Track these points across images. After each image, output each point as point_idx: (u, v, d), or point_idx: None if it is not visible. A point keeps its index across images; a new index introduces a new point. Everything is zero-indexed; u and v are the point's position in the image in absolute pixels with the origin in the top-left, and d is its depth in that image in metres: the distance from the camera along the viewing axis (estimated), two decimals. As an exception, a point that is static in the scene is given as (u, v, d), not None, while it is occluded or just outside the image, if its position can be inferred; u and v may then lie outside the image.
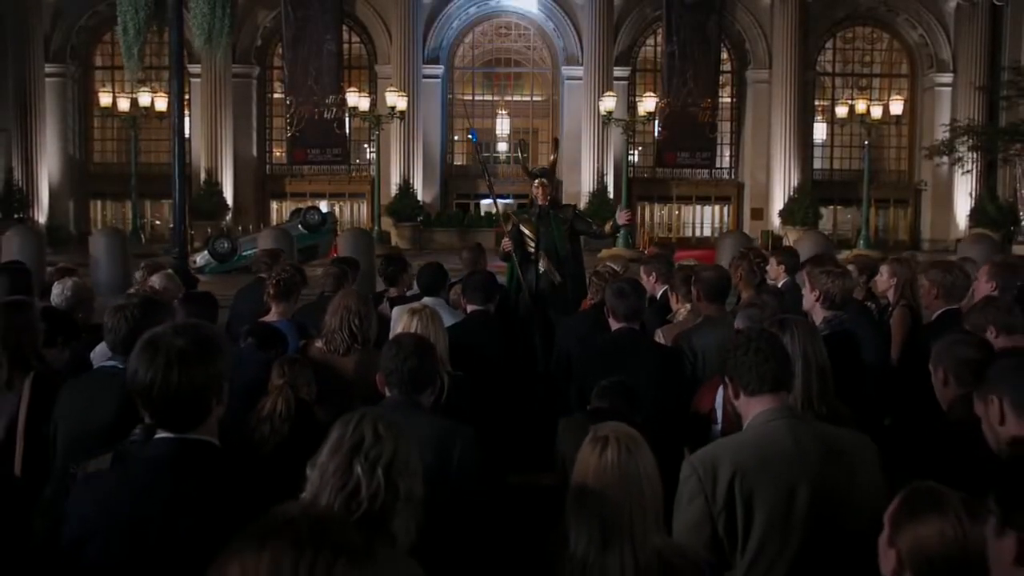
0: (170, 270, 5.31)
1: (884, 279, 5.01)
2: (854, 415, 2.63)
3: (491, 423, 3.38)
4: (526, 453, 4.08)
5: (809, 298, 3.77)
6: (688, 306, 4.36)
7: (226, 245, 18.41)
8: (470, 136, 8.06)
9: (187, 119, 28.92)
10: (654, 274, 5.31)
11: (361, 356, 3.43)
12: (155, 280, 4.70)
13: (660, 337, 4.17)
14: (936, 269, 4.12)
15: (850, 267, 5.56)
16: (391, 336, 3.31)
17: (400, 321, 3.49)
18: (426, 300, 4.45)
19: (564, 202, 7.95)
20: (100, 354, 3.67)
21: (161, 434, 1.88)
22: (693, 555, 1.93)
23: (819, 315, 3.69)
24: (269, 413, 2.87)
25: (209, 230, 23.37)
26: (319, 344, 3.55)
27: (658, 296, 5.22)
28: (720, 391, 3.11)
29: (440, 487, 2.16)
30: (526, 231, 6.84)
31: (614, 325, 3.86)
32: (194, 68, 26.32)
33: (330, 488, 1.78)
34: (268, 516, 1.19)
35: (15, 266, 4.84)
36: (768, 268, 5.40)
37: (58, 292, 4.06)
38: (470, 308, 4.41)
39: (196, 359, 1.85)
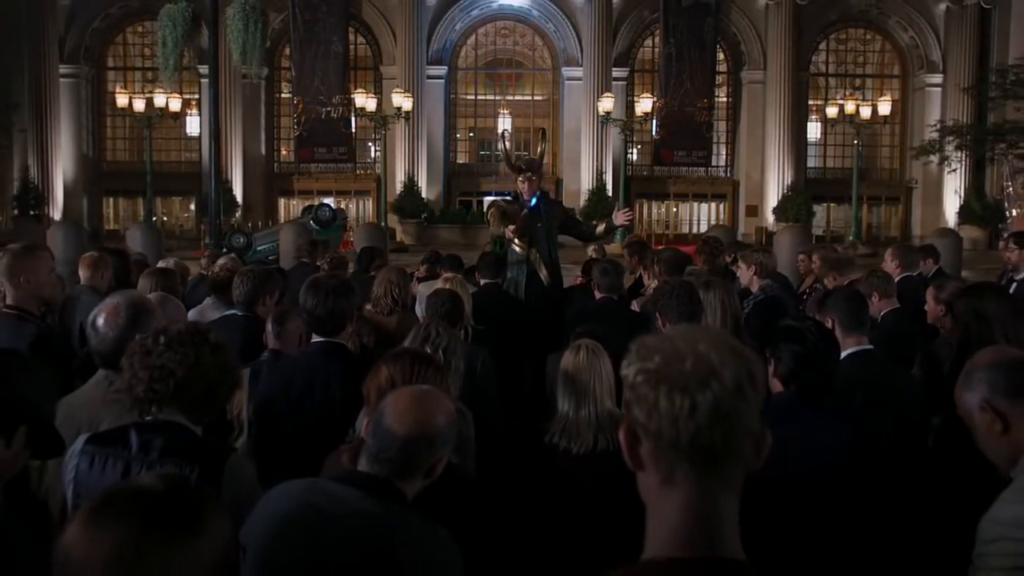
0: (232, 254, 6.37)
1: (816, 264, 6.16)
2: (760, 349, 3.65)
3: (502, 370, 4.37)
4: (528, 405, 5.08)
5: (746, 273, 4.88)
6: (656, 282, 5.40)
7: (241, 240, 19.27)
8: None
9: (197, 119, 29.90)
10: (636, 257, 6.39)
11: (401, 316, 4.45)
12: (221, 262, 5.70)
13: (635, 306, 5.22)
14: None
15: (801, 256, 6.74)
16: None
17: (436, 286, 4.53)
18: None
19: (559, 200, 7.70)
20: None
21: (316, 338, 3.03)
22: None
23: (756, 284, 4.79)
24: (342, 353, 3.88)
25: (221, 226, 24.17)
26: (369, 307, 4.57)
27: (637, 276, 6.29)
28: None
29: (468, 385, 3.18)
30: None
31: (598, 296, 4.95)
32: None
33: None
34: (397, 350, 2.24)
35: (118, 250, 5.86)
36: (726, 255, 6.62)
37: (163, 266, 5.08)
38: (483, 281, 5.53)
39: (341, 294, 3.01)
